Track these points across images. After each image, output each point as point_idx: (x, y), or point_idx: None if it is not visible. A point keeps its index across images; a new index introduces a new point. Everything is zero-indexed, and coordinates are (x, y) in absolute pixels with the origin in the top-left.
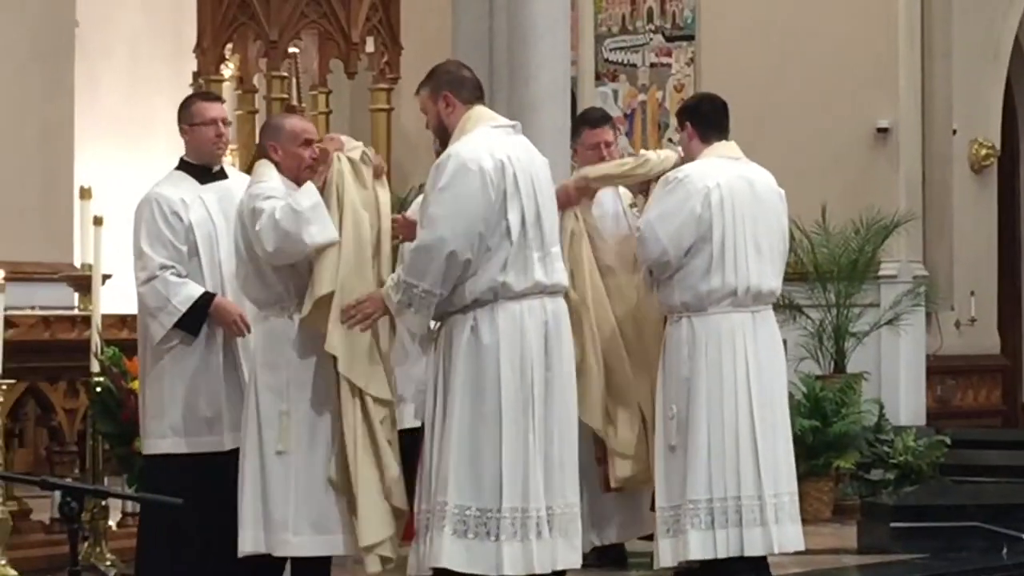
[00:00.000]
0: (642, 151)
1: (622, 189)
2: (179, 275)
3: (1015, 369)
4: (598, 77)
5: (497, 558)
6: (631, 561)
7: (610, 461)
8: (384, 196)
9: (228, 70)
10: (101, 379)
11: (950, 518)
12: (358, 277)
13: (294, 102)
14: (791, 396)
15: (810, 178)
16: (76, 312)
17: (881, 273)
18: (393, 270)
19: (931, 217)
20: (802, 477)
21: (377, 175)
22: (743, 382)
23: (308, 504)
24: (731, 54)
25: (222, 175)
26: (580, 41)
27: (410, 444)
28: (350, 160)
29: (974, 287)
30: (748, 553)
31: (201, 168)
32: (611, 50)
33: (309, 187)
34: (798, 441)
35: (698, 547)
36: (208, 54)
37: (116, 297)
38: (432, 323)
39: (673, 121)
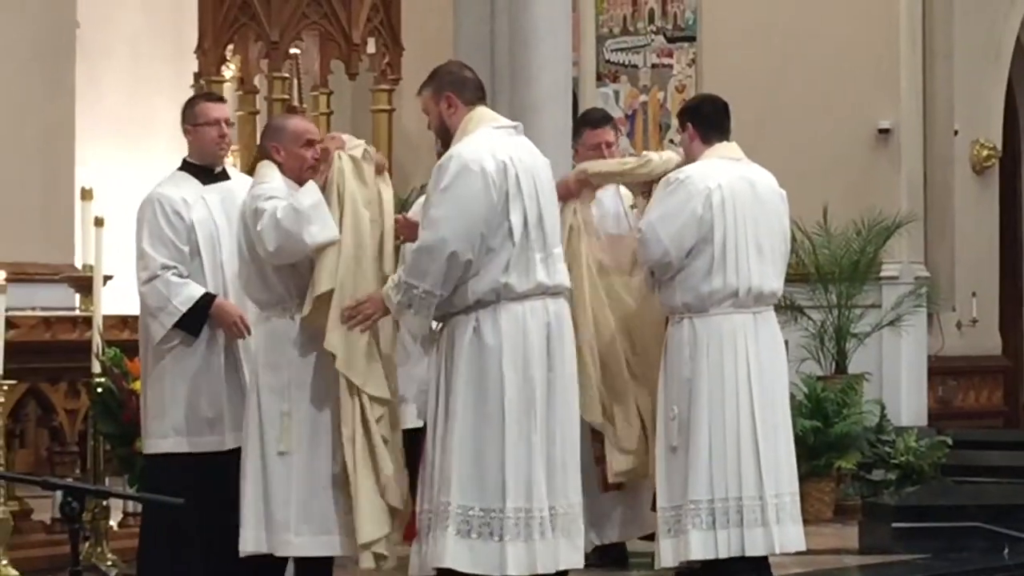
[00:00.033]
0: (644, 152)
1: (623, 190)
2: (181, 275)
3: (1016, 370)
4: (599, 78)
5: (501, 558)
6: (632, 561)
7: (608, 456)
8: (387, 193)
9: (229, 71)
10: (102, 380)
11: (951, 518)
12: (358, 275)
13: (295, 103)
14: (792, 397)
15: (811, 179)
16: (77, 313)
17: (882, 274)
18: (397, 268)
19: (932, 218)
20: (803, 477)
21: (379, 172)
22: (744, 383)
23: (309, 504)
24: (732, 55)
25: (224, 176)
26: (581, 42)
27: (412, 444)
28: (352, 158)
29: (975, 288)
30: (749, 553)
31: (204, 169)
32: (612, 51)
33: (310, 186)
34: (799, 441)
35: (699, 547)
36: (209, 55)
37: (117, 298)
38: (434, 324)
39: (674, 122)
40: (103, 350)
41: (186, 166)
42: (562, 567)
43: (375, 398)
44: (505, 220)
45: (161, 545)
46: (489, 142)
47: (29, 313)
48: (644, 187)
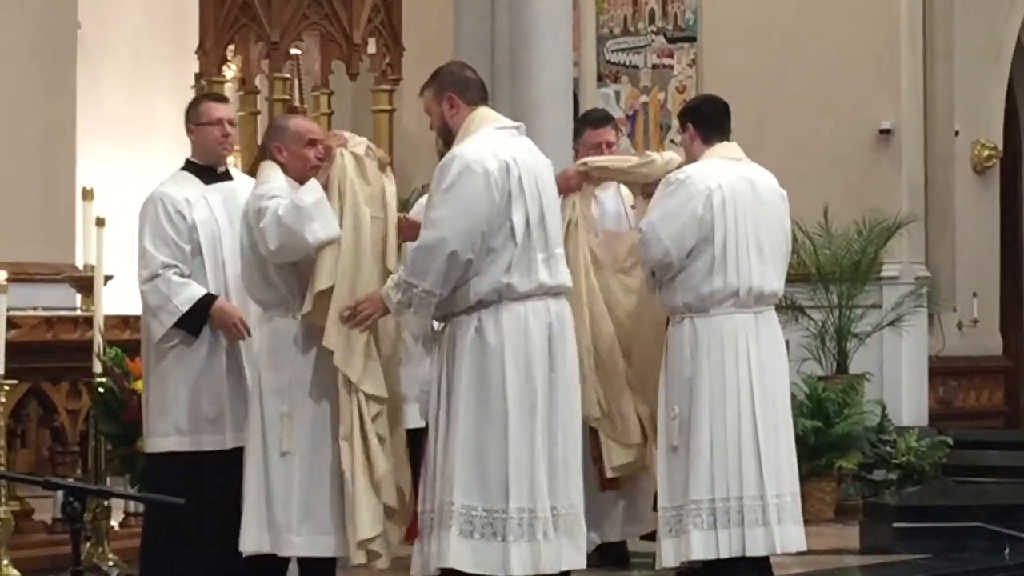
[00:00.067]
0: (647, 152)
1: (624, 190)
2: (182, 275)
3: (1017, 370)
4: (600, 78)
5: (504, 559)
6: (633, 561)
7: (605, 450)
8: (391, 188)
9: (230, 71)
10: (103, 380)
11: (952, 519)
12: (357, 273)
13: (296, 103)
14: (793, 397)
15: (812, 179)
16: (78, 313)
17: (883, 274)
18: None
19: (933, 218)
20: (804, 477)
21: (382, 168)
22: (745, 383)
23: (311, 505)
24: (733, 56)
25: (227, 176)
26: (582, 42)
27: (414, 444)
28: (354, 155)
29: (976, 288)
30: (750, 553)
31: (206, 168)
32: (613, 51)
33: (312, 184)
34: (800, 442)
35: (700, 547)
36: (210, 55)
37: (118, 298)
38: (436, 324)
39: (675, 123)
40: (104, 350)
41: (189, 166)
42: (564, 567)
43: (371, 396)
44: (507, 220)
45: (164, 545)
46: (491, 143)
47: (30, 313)
48: (644, 187)
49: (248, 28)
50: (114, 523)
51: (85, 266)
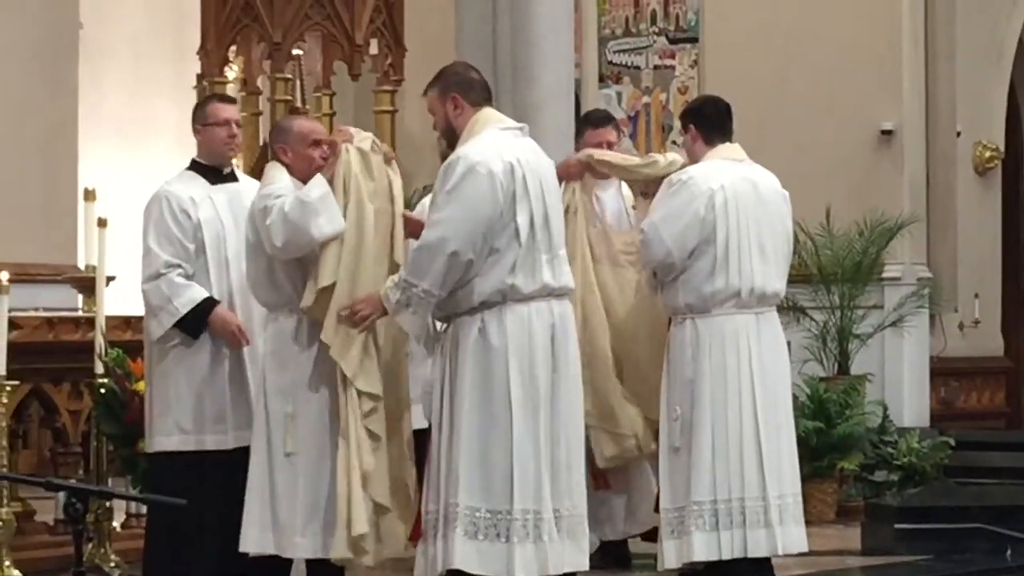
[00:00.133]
0: (650, 154)
1: (625, 189)
2: (186, 275)
3: (1018, 371)
4: (602, 79)
5: (508, 560)
6: (635, 562)
7: (595, 443)
8: (397, 182)
9: (232, 72)
10: (105, 380)
11: (954, 520)
12: (358, 270)
13: (298, 104)
14: (795, 398)
15: (814, 180)
16: (80, 314)
17: (885, 275)
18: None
19: (935, 219)
20: (806, 478)
21: (387, 161)
22: (747, 384)
23: (316, 505)
24: (735, 56)
25: (232, 177)
26: (584, 43)
27: (417, 445)
28: (359, 151)
29: (978, 289)
30: (752, 554)
31: (212, 169)
32: (615, 52)
33: (318, 179)
34: (802, 443)
35: (702, 548)
36: (212, 56)
37: (120, 298)
38: (439, 324)
39: (677, 123)
40: (106, 351)
41: (195, 165)
42: (567, 569)
43: (365, 392)
44: (511, 221)
45: (166, 545)
46: (496, 144)
47: (32, 314)
48: (644, 186)
49: (250, 29)
50: (116, 524)
51: (87, 267)
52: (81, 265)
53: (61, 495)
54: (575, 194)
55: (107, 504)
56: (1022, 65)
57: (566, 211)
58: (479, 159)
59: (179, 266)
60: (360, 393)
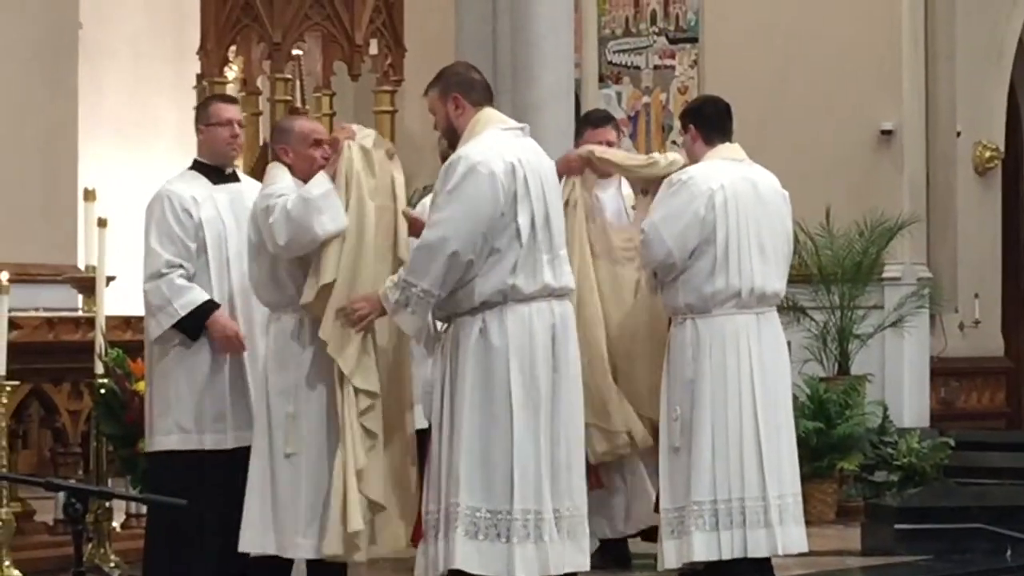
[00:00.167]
0: (652, 155)
1: (626, 189)
2: (187, 276)
3: (1019, 371)
4: (602, 79)
5: (509, 560)
6: (635, 563)
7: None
8: (399, 178)
9: (232, 72)
10: (105, 381)
11: (954, 520)
12: (358, 267)
13: (298, 104)
14: (795, 398)
15: (814, 180)
16: (80, 314)
17: (885, 275)
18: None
19: (935, 219)
20: (806, 479)
21: (390, 156)
22: (747, 384)
23: (317, 506)
24: (735, 56)
25: (235, 178)
26: (584, 43)
27: (418, 445)
28: (361, 148)
29: (978, 289)
30: (752, 554)
31: (214, 169)
32: (615, 52)
33: (320, 176)
34: (802, 443)
35: (702, 548)
36: (212, 56)
37: (120, 299)
38: (439, 325)
39: (677, 124)
40: (106, 351)
41: (197, 165)
42: (568, 569)
43: (362, 390)
44: (513, 221)
45: (165, 545)
46: (497, 144)
47: (32, 314)
48: (644, 184)
49: (250, 29)
50: (116, 524)
51: (87, 267)
52: (81, 265)
53: (61, 495)
54: (575, 189)
55: (107, 504)
56: (1022, 65)
57: (565, 205)
58: (480, 159)
59: (180, 266)
60: (357, 390)
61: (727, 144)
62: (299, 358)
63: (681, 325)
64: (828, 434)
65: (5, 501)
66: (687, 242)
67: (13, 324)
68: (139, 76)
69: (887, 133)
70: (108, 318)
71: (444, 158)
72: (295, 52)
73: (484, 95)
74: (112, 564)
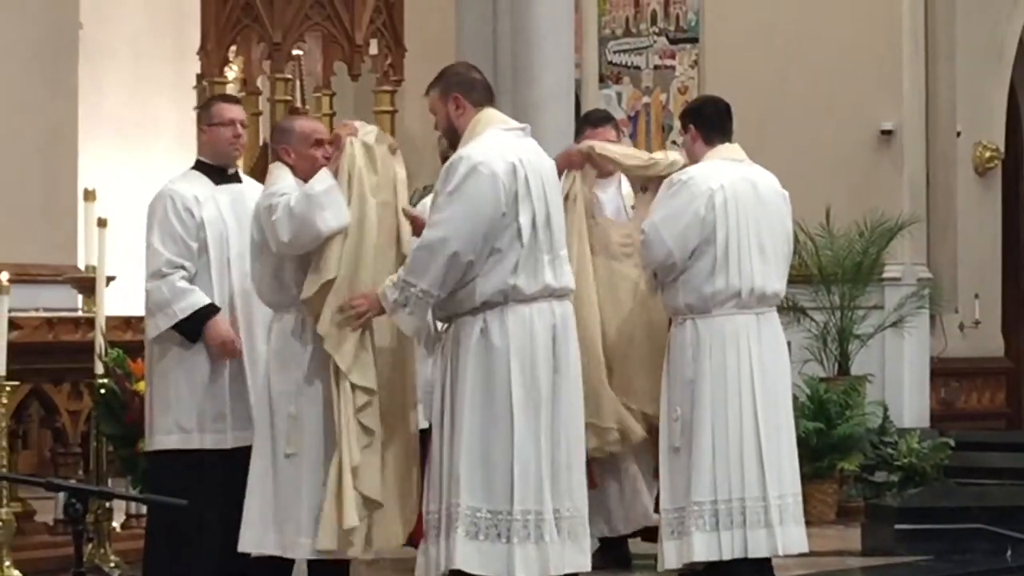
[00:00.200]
0: (652, 155)
1: (625, 188)
2: (189, 276)
3: (1019, 371)
4: (602, 79)
5: (509, 560)
6: (635, 563)
7: None
8: (402, 173)
9: (232, 72)
10: (105, 381)
11: (954, 520)
12: (358, 267)
13: (298, 104)
14: (795, 398)
15: (814, 180)
16: (80, 314)
17: (885, 275)
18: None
19: (935, 219)
20: (806, 479)
21: (392, 151)
22: (747, 384)
23: (319, 506)
24: (735, 57)
25: (236, 178)
26: (584, 43)
27: (420, 445)
28: (364, 144)
29: (978, 290)
30: (752, 555)
31: (217, 169)
32: (615, 52)
33: (323, 173)
34: (802, 443)
35: (702, 549)
36: (212, 56)
37: (120, 299)
38: (440, 325)
39: (677, 124)
40: (106, 351)
41: (199, 165)
42: (568, 570)
43: (359, 386)
44: (514, 222)
45: (165, 545)
46: (499, 144)
47: (32, 314)
48: (644, 182)
49: (250, 29)
50: (116, 524)
51: (87, 267)
52: (81, 265)
53: (61, 495)
54: (575, 184)
55: (107, 504)
56: (1022, 65)
57: (565, 200)
58: (481, 159)
59: (182, 266)
60: (354, 387)
61: (727, 144)
62: (301, 358)
63: (681, 325)
64: (828, 434)
65: (5, 501)
66: (687, 242)
67: (13, 324)
68: (139, 76)
69: (887, 133)
70: (108, 318)
71: (444, 158)
72: (295, 52)
73: (485, 95)
74: (112, 564)
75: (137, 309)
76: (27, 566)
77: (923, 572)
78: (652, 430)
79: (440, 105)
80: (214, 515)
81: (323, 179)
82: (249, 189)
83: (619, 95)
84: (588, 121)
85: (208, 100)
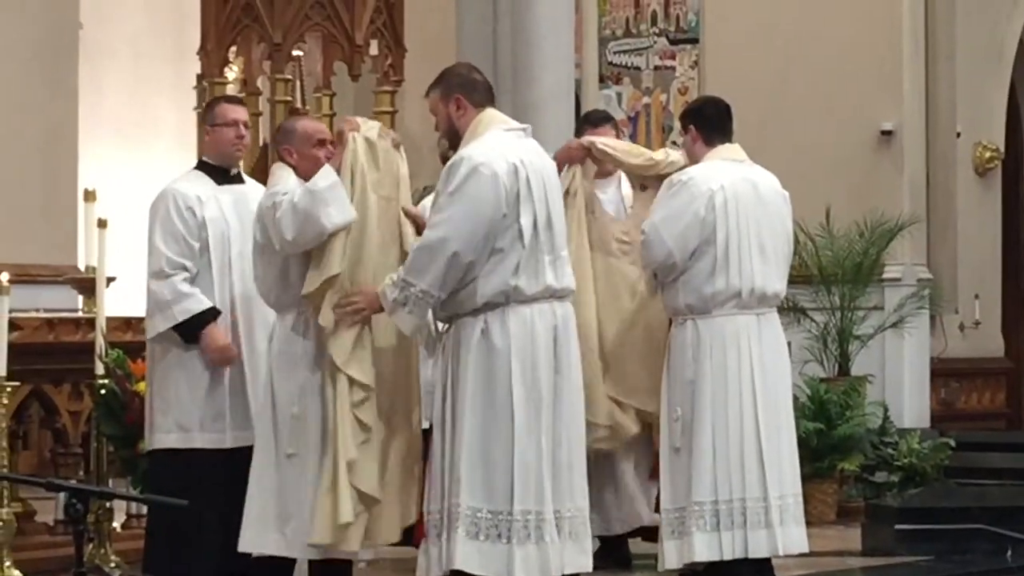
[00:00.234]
0: (652, 155)
1: (625, 188)
2: (191, 276)
3: (1019, 372)
4: (602, 80)
5: (508, 561)
6: (635, 563)
7: None
8: (404, 169)
9: (232, 72)
10: (105, 381)
11: (954, 520)
12: (358, 263)
13: (298, 105)
14: (795, 398)
15: (814, 181)
16: (80, 314)
17: (885, 276)
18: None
19: (935, 220)
20: (806, 479)
21: (395, 146)
22: (748, 384)
23: None
24: (735, 57)
25: (239, 179)
26: (584, 43)
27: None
28: (366, 140)
29: (978, 290)
30: (753, 555)
31: (219, 169)
32: (615, 53)
33: (326, 169)
34: (802, 443)
35: (703, 549)
36: (212, 56)
37: (120, 299)
38: (440, 325)
39: (677, 124)
40: (106, 352)
41: (202, 165)
42: (569, 571)
43: (356, 381)
44: (515, 222)
45: (165, 545)
46: (500, 145)
47: (32, 315)
48: (643, 180)
49: (250, 29)
50: (116, 525)
51: (87, 267)
52: (81, 266)
53: (62, 496)
54: (575, 178)
55: (107, 505)
56: (1022, 65)
57: (565, 195)
58: (483, 160)
59: (183, 266)
60: (352, 382)
61: (727, 145)
62: (305, 359)
63: (682, 326)
64: (829, 435)
65: (6, 501)
66: (687, 243)
67: (13, 325)
68: (139, 76)
69: (887, 133)
70: (108, 319)
71: (444, 159)
72: (295, 52)
73: (486, 96)
74: (112, 564)
75: (137, 310)
76: (27, 566)
77: (923, 572)
78: (647, 427)
79: (441, 106)
80: (214, 515)
81: (326, 175)
82: (251, 190)
83: (619, 95)
84: (588, 121)
85: (212, 101)
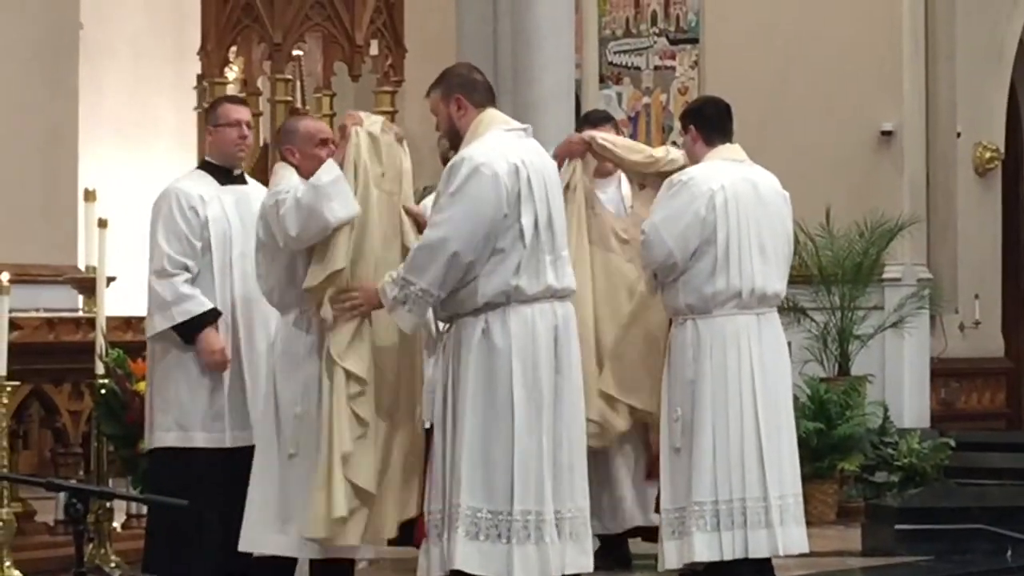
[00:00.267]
0: (652, 154)
1: (625, 189)
2: (192, 276)
3: (1019, 372)
4: (602, 80)
5: (508, 561)
6: (635, 563)
7: None
8: (407, 164)
9: (232, 72)
10: (105, 381)
11: (954, 520)
12: (359, 258)
13: (298, 105)
14: (795, 398)
15: (814, 181)
16: (80, 314)
17: (885, 276)
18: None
19: (935, 220)
20: (806, 479)
21: (398, 140)
22: (748, 384)
23: None
24: (735, 57)
25: (242, 179)
26: (584, 43)
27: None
28: (369, 134)
29: (978, 290)
30: (753, 555)
31: (222, 169)
32: (615, 53)
33: (329, 163)
34: (802, 443)
35: (703, 549)
36: (212, 56)
37: (120, 299)
38: (441, 325)
39: (677, 124)
40: (106, 351)
41: (205, 165)
42: (570, 571)
43: (352, 374)
44: (516, 222)
45: (165, 545)
46: (501, 145)
47: (32, 314)
48: (642, 178)
49: (250, 29)
50: (116, 525)
51: (87, 267)
52: (81, 266)
53: (62, 495)
54: (575, 173)
55: (108, 505)
56: (1022, 66)
57: (566, 189)
58: (484, 160)
59: (185, 266)
60: (348, 375)
61: (727, 145)
62: (308, 358)
63: (682, 326)
64: (829, 435)
65: (6, 501)
66: (688, 243)
67: (13, 325)
68: (139, 76)
69: (887, 134)
70: (108, 319)
71: (445, 159)
72: (295, 53)
73: (487, 96)
74: (113, 564)
75: (137, 309)
76: (27, 566)
77: (923, 572)
78: (641, 426)
79: (442, 106)
80: (214, 515)
81: (329, 170)
82: (254, 191)
83: (619, 95)
84: (588, 121)
85: (215, 101)
